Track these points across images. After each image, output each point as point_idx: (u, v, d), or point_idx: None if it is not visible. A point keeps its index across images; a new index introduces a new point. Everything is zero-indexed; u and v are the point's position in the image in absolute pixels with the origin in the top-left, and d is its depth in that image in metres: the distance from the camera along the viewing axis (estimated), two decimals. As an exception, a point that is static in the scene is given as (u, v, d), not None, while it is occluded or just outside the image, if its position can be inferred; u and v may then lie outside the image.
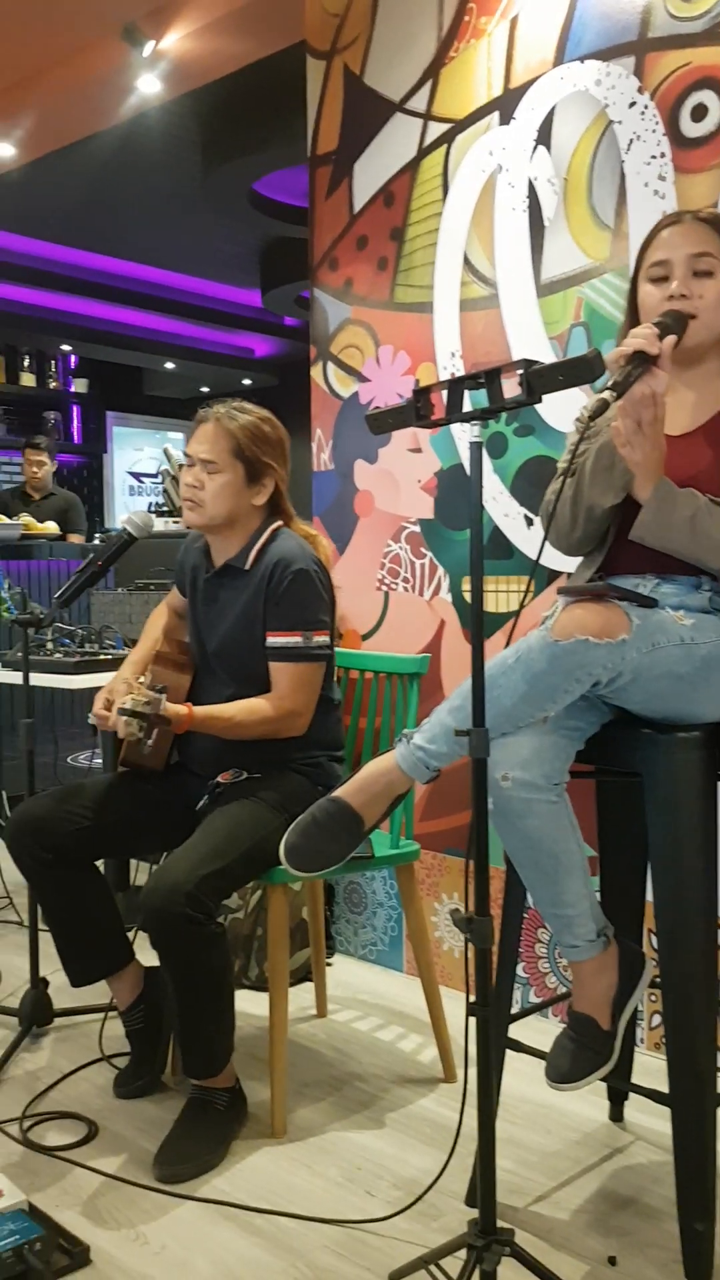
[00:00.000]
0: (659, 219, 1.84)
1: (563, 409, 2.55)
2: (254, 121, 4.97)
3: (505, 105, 2.66)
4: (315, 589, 2.22)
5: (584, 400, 2.44)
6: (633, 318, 1.85)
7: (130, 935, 2.33)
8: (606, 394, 1.55)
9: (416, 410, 1.58)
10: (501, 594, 2.70)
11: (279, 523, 2.31)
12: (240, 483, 2.23)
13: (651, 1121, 2.19)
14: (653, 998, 2.44)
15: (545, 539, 1.74)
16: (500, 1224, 1.52)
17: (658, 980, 1.70)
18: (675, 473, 1.75)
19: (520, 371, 1.47)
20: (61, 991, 2.61)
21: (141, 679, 2.24)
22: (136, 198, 6.13)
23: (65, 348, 8.91)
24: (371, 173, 2.99)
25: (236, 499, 2.23)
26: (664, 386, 1.65)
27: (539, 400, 1.48)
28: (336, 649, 2.39)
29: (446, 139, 2.80)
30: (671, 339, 1.66)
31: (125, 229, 6.78)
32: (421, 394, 1.58)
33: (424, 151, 2.85)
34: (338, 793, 1.76)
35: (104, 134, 4.63)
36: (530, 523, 2.65)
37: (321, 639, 2.22)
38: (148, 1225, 1.85)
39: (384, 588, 3.01)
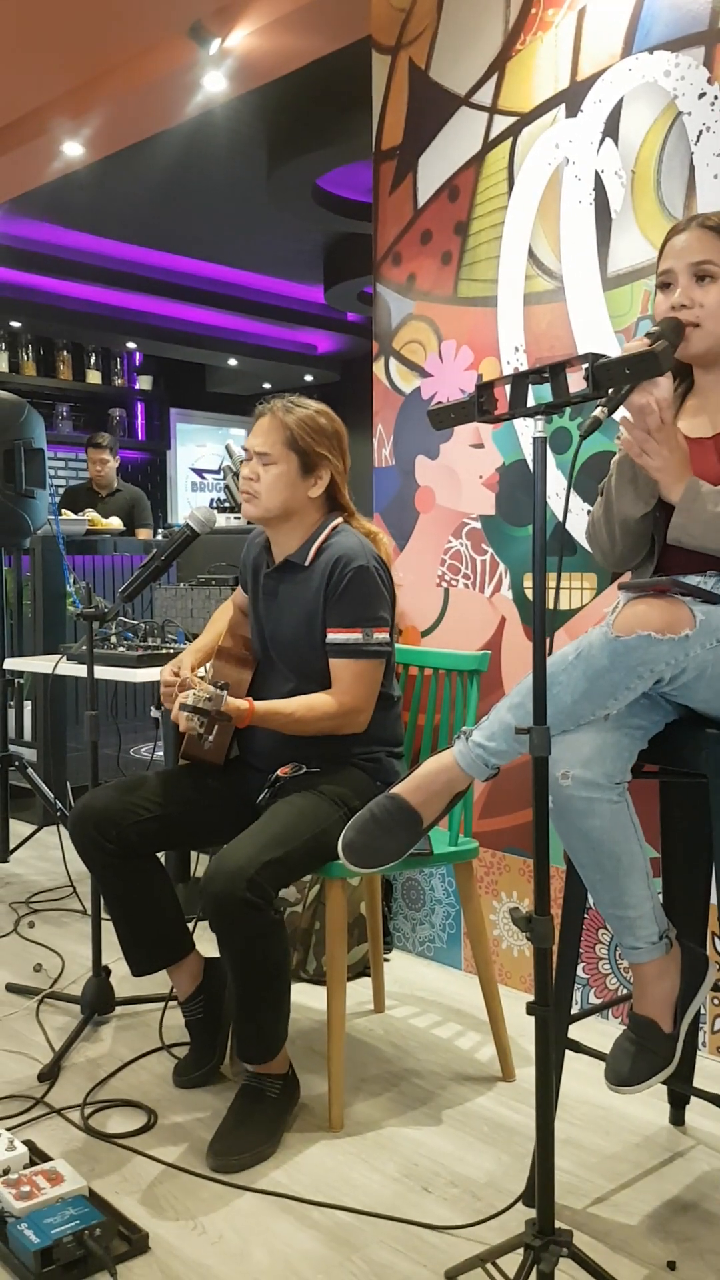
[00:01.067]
0: (676, 223, 1.82)
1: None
2: (318, 117, 4.97)
3: (572, 98, 2.64)
4: (375, 586, 2.22)
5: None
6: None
7: (191, 926, 2.35)
8: (598, 412, 1.54)
9: (479, 405, 1.57)
10: (564, 590, 2.68)
11: (340, 519, 2.31)
12: (295, 474, 2.24)
13: (713, 1126, 2.16)
14: (716, 1001, 2.41)
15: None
16: (558, 1225, 1.51)
17: (721, 983, 1.68)
18: (698, 475, 1.74)
19: (585, 365, 1.45)
20: (123, 980, 2.65)
21: (203, 673, 2.26)
22: (201, 195, 6.17)
23: (130, 345, 9.00)
24: (436, 167, 2.97)
25: (291, 490, 2.24)
26: (667, 392, 1.63)
27: (604, 395, 1.46)
28: (396, 645, 2.39)
29: (512, 132, 2.78)
30: (664, 344, 1.63)
31: (190, 226, 6.83)
32: (484, 389, 1.57)
33: (489, 145, 2.84)
34: (396, 790, 1.76)
35: (170, 132, 4.67)
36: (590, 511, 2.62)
37: (381, 636, 2.23)
38: (206, 1215, 1.87)
39: (444, 584, 3.01)
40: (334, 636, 2.22)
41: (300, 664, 2.27)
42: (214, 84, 4.00)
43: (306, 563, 2.26)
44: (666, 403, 1.63)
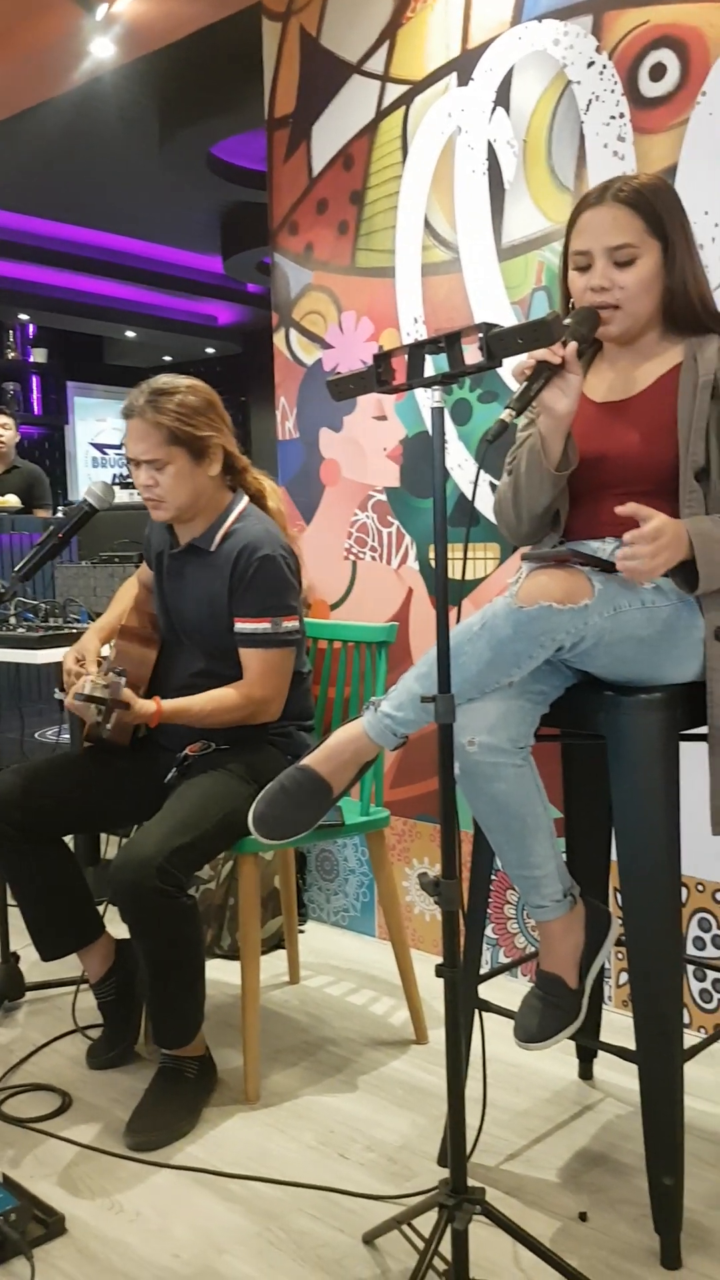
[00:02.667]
0: (582, 196, 1.79)
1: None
2: (210, 85, 4.89)
3: (463, 66, 2.63)
4: (282, 574, 2.20)
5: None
6: (565, 294, 1.84)
7: (101, 908, 2.33)
8: (505, 414, 1.54)
9: (378, 375, 1.57)
10: (468, 561, 2.70)
11: (244, 504, 2.28)
12: (189, 466, 2.18)
13: (620, 1078, 2.22)
14: (619, 955, 2.48)
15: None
16: (471, 1183, 1.54)
17: (624, 938, 1.72)
18: (615, 441, 1.77)
19: (480, 335, 1.46)
20: (33, 966, 2.62)
21: (106, 651, 2.23)
22: (93, 163, 6.03)
23: (23, 317, 8.79)
24: (330, 135, 2.95)
25: (193, 481, 2.20)
26: (576, 389, 1.66)
27: (499, 364, 1.47)
28: (306, 619, 2.39)
29: (405, 101, 2.77)
30: (574, 347, 1.65)
31: (82, 195, 6.69)
32: (382, 359, 1.57)
33: (382, 114, 2.82)
34: (306, 761, 1.77)
35: (58, 99, 4.54)
36: (495, 489, 2.65)
37: (290, 624, 2.21)
38: (123, 1194, 1.87)
39: (352, 557, 3.01)
40: (242, 626, 2.20)
41: (209, 645, 2.26)
42: (102, 50, 3.90)
43: (212, 548, 2.24)
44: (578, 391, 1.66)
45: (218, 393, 2.27)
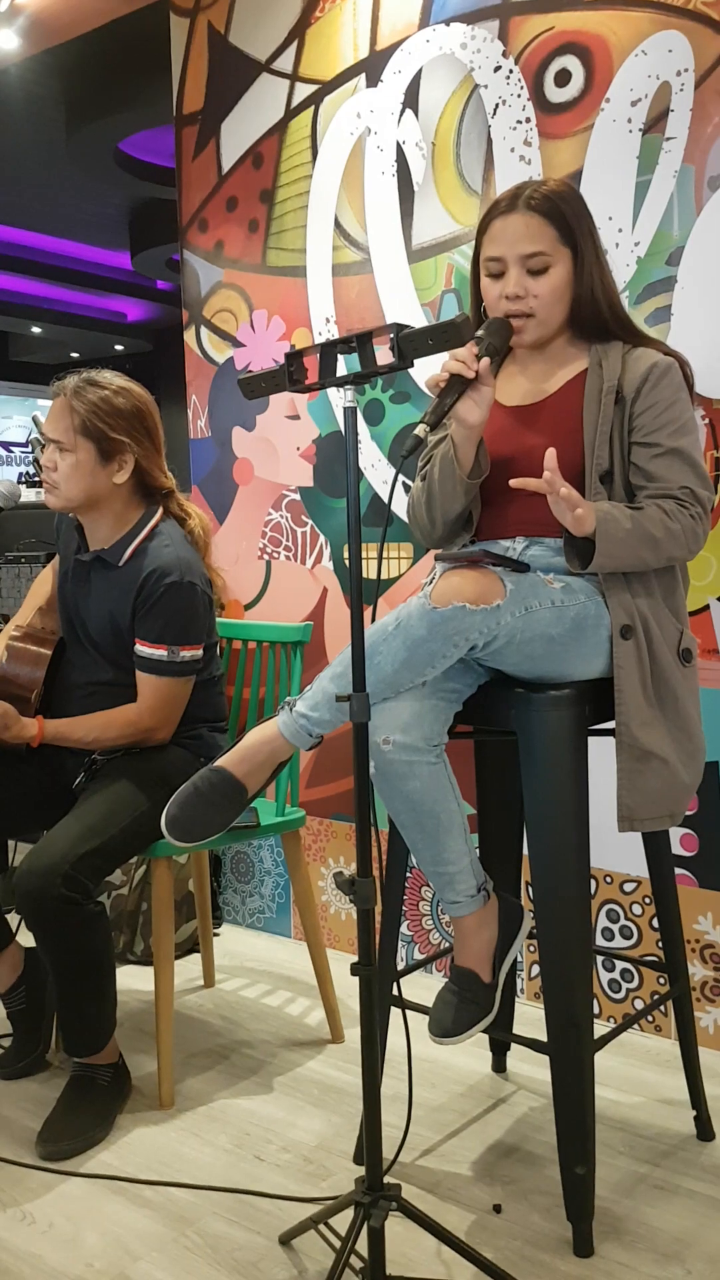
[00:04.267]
0: (491, 203, 1.80)
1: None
2: (118, 80, 4.84)
3: (372, 67, 2.64)
4: (188, 603, 2.13)
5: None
6: (476, 300, 1.86)
7: (9, 916, 2.28)
8: (420, 429, 1.56)
9: (290, 374, 1.57)
10: (380, 560, 2.71)
11: (158, 515, 2.20)
12: (92, 462, 2.12)
13: (532, 1070, 2.25)
14: (530, 948, 2.51)
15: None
16: (387, 1180, 1.55)
17: (535, 931, 1.75)
18: (523, 444, 1.80)
19: (391, 336, 1.47)
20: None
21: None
22: (-2, 156, 5.92)
23: None
24: (239, 133, 2.94)
25: (91, 479, 2.13)
26: (489, 400, 1.69)
27: (411, 365, 1.48)
28: (220, 619, 2.36)
29: (314, 100, 2.77)
30: (487, 361, 1.67)
31: (-13, 189, 6.55)
32: (294, 358, 1.56)
33: (292, 113, 2.82)
34: (220, 762, 1.75)
35: (-40, 89, 4.45)
36: (408, 489, 2.66)
37: (189, 654, 2.14)
38: (33, 1204, 1.83)
39: (266, 556, 3.00)
40: (140, 649, 2.14)
41: (116, 657, 2.20)
42: (6, 42, 3.82)
43: (120, 563, 2.16)
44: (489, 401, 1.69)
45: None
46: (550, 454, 1.62)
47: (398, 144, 2.62)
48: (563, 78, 2.33)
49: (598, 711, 1.73)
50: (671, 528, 1.69)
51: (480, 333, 1.71)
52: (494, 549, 1.82)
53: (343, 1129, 2.06)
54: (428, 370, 2.55)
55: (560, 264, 1.76)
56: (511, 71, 2.40)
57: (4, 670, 2.20)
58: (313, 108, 2.77)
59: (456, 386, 1.66)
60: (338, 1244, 1.60)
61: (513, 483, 1.66)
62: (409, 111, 2.58)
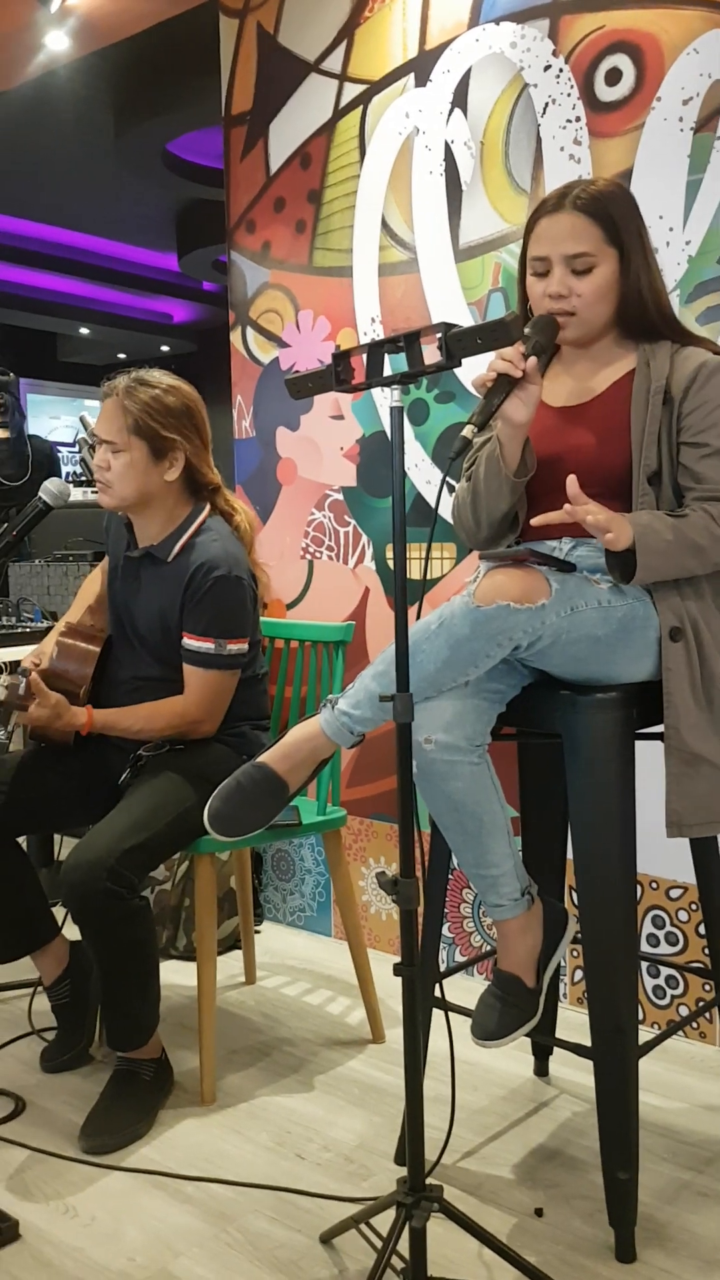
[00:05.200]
0: (540, 202, 1.80)
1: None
2: (167, 81, 4.87)
3: (421, 67, 2.64)
4: (235, 596, 2.16)
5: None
6: (524, 301, 1.85)
7: (55, 910, 2.30)
8: (467, 430, 1.55)
9: (336, 374, 1.57)
10: (424, 561, 2.71)
11: (205, 512, 2.23)
12: (145, 461, 2.15)
13: (575, 1075, 2.24)
14: (575, 953, 2.49)
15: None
16: (429, 1181, 1.54)
17: (580, 936, 1.73)
18: (570, 445, 1.78)
19: (439, 335, 1.46)
20: (-15, 968, 2.59)
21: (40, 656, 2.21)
22: (47, 158, 5.97)
23: (-24, 313, 8.69)
24: (287, 134, 2.95)
25: (144, 477, 2.16)
26: (535, 399, 1.69)
27: (458, 364, 1.48)
28: (263, 619, 2.37)
29: (362, 100, 2.77)
30: (534, 360, 1.67)
31: (36, 190, 6.62)
32: (341, 358, 1.56)
33: (340, 113, 2.82)
34: (262, 758, 1.76)
35: (11, 94, 4.49)
36: (452, 489, 2.66)
37: (236, 647, 2.16)
38: (76, 1197, 1.85)
39: (308, 556, 3.00)
40: (188, 642, 2.16)
41: (159, 653, 2.22)
42: (57, 43, 3.86)
43: (169, 559, 2.19)
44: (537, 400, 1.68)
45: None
46: (571, 480, 1.61)
47: (446, 143, 2.61)
48: (613, 76, 2.31)
49: (645, 715, 1.72)
50: (717, 533, 1.67)
51: (527, 331, 1.71)
52: (540, 549, 1.80)
53: (383, 1129, 2.05)
54: (475, 369, 2.55)
55: (605, 264, 1.75)
56: (561, 70, 2.38)
57: (54, 666, 2.22)
58: (361, 107, 2.77)
59: (504, 386, 1.66)
60: (379, 1244, 1.60)
61: (534, 521, 1.65)
62: (458, 111, 2.58)
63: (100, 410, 2.19)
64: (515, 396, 1.67)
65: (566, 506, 1.61)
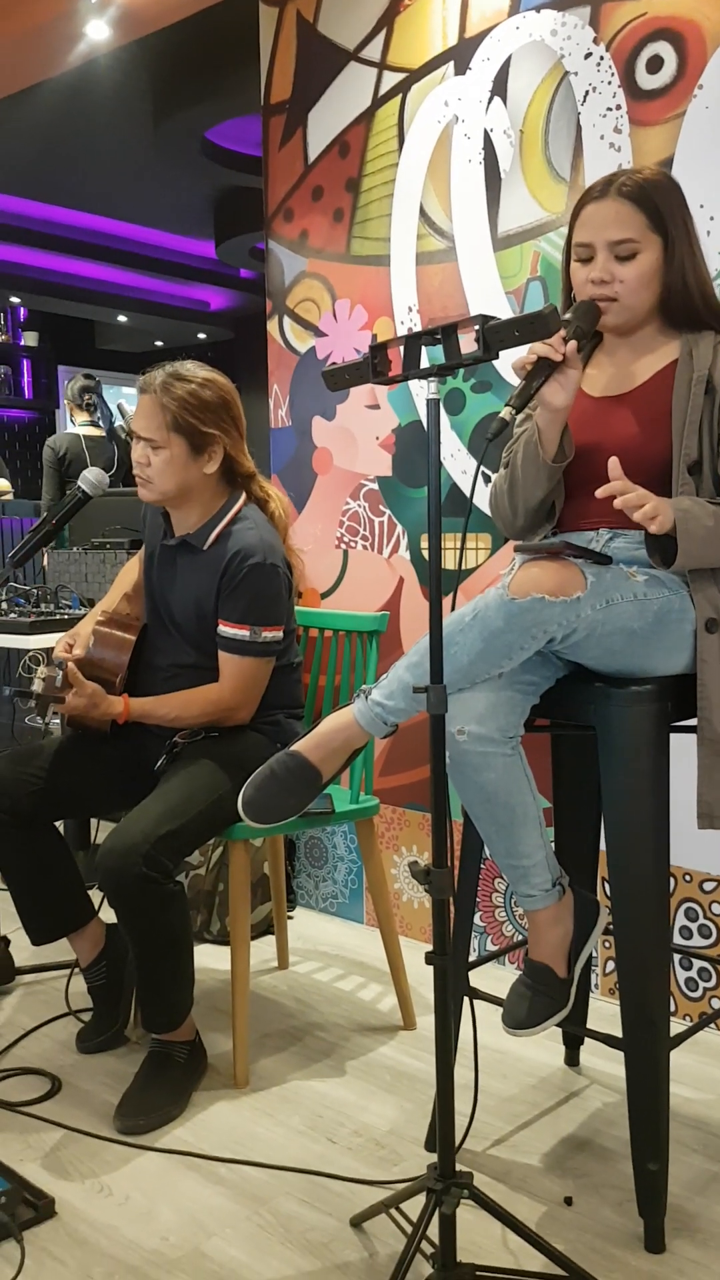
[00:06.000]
0: (587, 188, 1.80)
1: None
2: (206, 69, 4.87)
3: (460, 55, 2.63)
4: (271, 585, 2.17)
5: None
6: (567, 286, 1.85)
7: (91, 893, 2.33)
8: (505, 412, 1.56)
9: (373, 366, 1.57)
10: (459, 551, 2.71)
11: (241, 500, 2.25)
12: (184, 456, 2.16)
13: (606, 1065, 2.24)
14: (606, 945, 2.50)
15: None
16: (459, 1168, 1.56)
17: (612, 927, 1.74)
18: (611, 435, 1.78)
19: (477, 327, 1.46)
20: (23, 950, 2.63)
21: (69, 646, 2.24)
22: (86, 146, 5.99)
23: (14, 300, 8.73)
24: (326, 123, 2.94)
25: (185, 472, 2.17)
26: (575, 384, 1.69)
27: (496, 356, 1.48)
28: (297, 607, 2.39)
29: (401, 89, 2.76)
30: (574, 344, 1.67)
31: (75, 178, 6.64)
32: (378, 350, 1.57)
33: (379, 101, 2.82)
34: (296, 747, 1.77)
35: (52, 81, 4.52)
36: (488, 480, 2.66)
37: (271, 635, 2.18)
38: (111, 1176, 1.88)
39: (343, 545, 3.01)
40: (223, 629, 2.18)
41: (195, 640, 2.25)
42: (97, 32, 3.88)
43: (205, 547, 2.21)
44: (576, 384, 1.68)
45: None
46: (614, 462, 1.61)
47: (485, 132, 2.60)
48: (654, 64, 2.29)
49: (680, 708, 1.71)
50: None
51: (568, 316, 1.71)
52: (576, 541, 1.80)
53: (414, 1115, 2.07)
54: (512, 359, 2.54)
55: (649, 251, 1.74)
56: (602, 58, 2.37)
57: (90, 654, 2.25)
58: (400, 96, 2.77)
59: (543, 369, 1.66)
60: (409, 1229, 1.62)
61: (600, 493, 1.64)
62: (497, 99, 2.57)
63: (137, 405, 2.20)
64: (554, 380, 1.68)
65: (609, 485, 1.61)
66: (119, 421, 4.15)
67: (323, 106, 2.95)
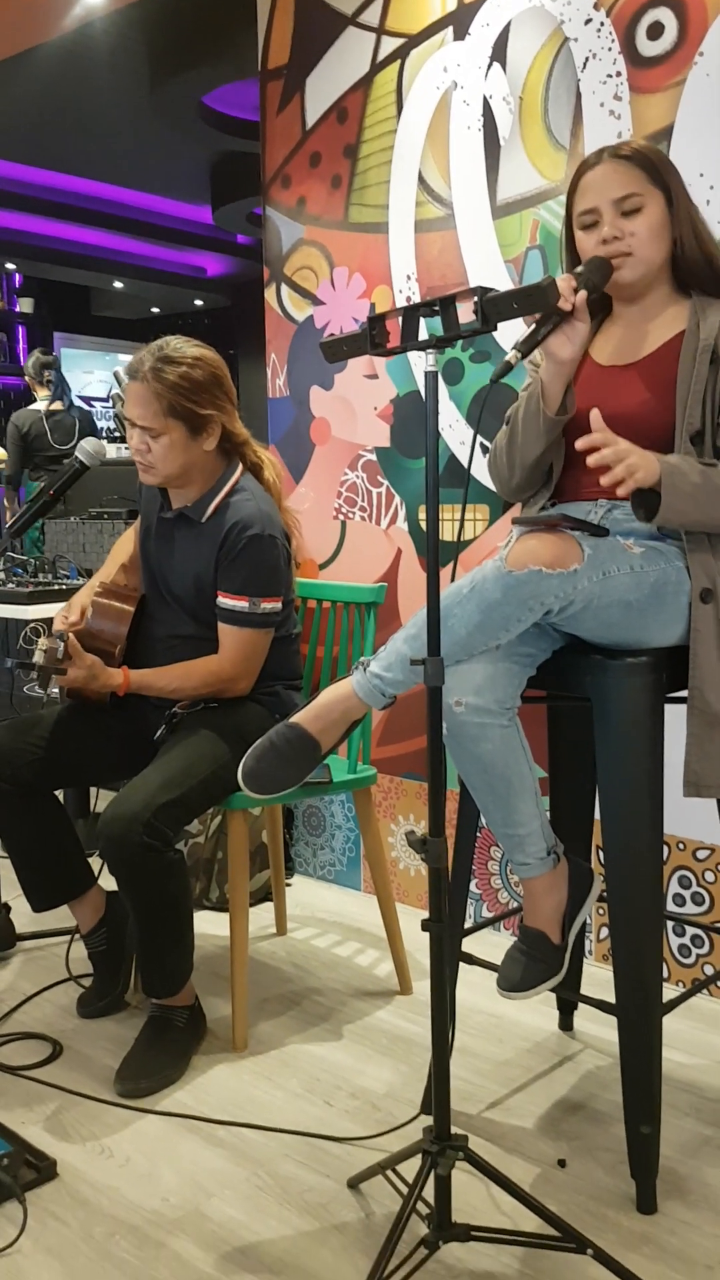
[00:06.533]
0: (580, 162, 1.80)
1: (520, 335, 2.54)
2: (203, 34, 4.82)
3: (459, 20, 2.60)
4: (270, 556, 2.18)
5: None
6: (572, 260, 1.85)
7: (91, 860, 2.35)
8: (511, 355, 1.56)
9: (371, 338, 1.57)
10: (457, 522, 2.71)
11: (239, 472, 2.25)
12: (184, 439, 2.15)
13: (600, 1030, 2.27)
14: (601, 912, 2.52)
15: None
16: (454, 1130, 1.58)
17: (606, 895, 1.76)
18: (618, 403, 1.78)
19: (475, 299, 1.46)
20: (24, 917, 2.65)
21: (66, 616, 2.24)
22: (82, 111, 5.94)
23: (9, 266, 8.68)
24: (324, 88, 2.92)
25: (186, 454, 2.17)
26: (582, 337, 1.70)
27: (494, 328, 1.48)
28: (295, 578, 2.39)
29: (400, 54, 2.74)
30: (583, 295, 1.67)
31: (71, 143, 6.59)
32: (376, 321, 1.57)
33: (377, 67, 2.79)
34: (295, 718, 1.79)
35: (48, 45, 4.47)
36: (486, 451, 2.66)
37: (270, 606, 2.19)
38: (112, 1139, 1.91)
39: (341, 516, 3.02)
40: (222, 601, 2.19)
41: (198, 612, 2.26)
42: (92, -7, 3.84)
43: (203, 519, 2.22)
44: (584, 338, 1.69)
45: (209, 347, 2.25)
46: (595, 414, 1.63)
47: (484, 98, 2.58)
48: (655, 30, 2.27)
49: (675, 679, 1.73)
50: None
51: (580, 270, 1.71)
52: (574, 513, 1.81)
53: (410, 1078, 2.10)
54: (510, 331, 2.53)
55: (654, 203, 1.76)
56: (603, 24, 2.35)
57: (89, 626, 2.25)
58: (399, 62, 2.74)
59: (552, 318, 1.66)
60: (404, 1190, 1.65)
61: (579, 445, 1.65)
62: (496, 65, 2.54)
63: (127, 393, 2.17)
64: (561, 331, 1.69)
65: (586, 439, 1.62)
66: (115, 389, 4.16)
67: (321, 72, 2.92)
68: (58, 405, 5.92)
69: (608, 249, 1.77)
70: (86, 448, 2.32)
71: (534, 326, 1.67)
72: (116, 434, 4.08)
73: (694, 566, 1.70)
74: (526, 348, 1.63)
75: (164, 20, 4.75)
